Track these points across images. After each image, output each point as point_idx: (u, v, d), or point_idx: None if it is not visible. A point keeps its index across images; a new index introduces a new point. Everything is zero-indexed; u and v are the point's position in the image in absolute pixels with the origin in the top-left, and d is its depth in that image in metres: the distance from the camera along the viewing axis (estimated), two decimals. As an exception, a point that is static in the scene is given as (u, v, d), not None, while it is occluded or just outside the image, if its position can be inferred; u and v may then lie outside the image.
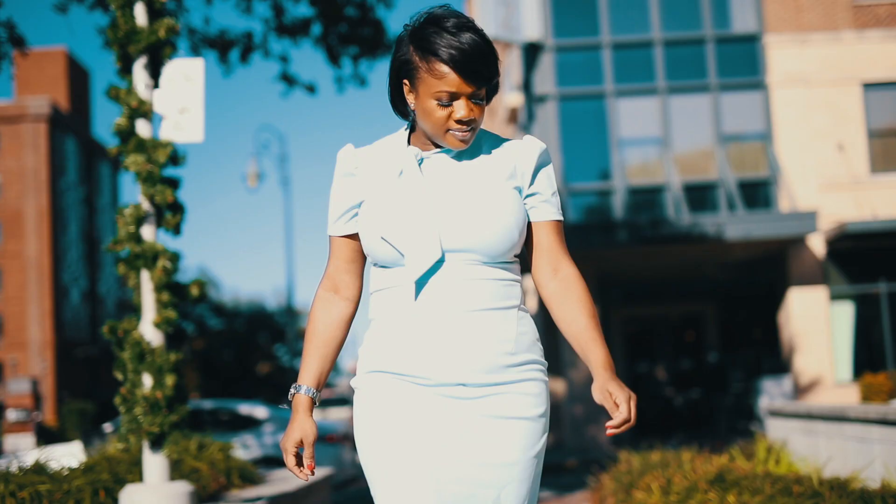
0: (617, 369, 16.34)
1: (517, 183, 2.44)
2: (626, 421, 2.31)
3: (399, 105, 2.49)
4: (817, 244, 21.04)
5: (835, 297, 21.36)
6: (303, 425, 2.44)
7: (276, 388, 45.58)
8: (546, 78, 21.48)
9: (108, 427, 15.83)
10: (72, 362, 56.52)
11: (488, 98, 2.43)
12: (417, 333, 2.35)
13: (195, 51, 11.55)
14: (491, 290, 2.37)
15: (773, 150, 21.28)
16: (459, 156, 2.45)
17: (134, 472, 5.86)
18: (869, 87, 21.64)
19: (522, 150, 2.46)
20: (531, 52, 21.88)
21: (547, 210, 2.48)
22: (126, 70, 5.26)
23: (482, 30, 2.41)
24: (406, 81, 2.41)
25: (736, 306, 24.43)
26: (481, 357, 2.34)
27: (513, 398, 2.36)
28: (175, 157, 5.19)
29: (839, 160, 21.33)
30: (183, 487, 5.16)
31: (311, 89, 11.83)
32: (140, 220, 5.18)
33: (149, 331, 5.17)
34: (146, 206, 5.23)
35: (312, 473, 2.43)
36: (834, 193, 21.22)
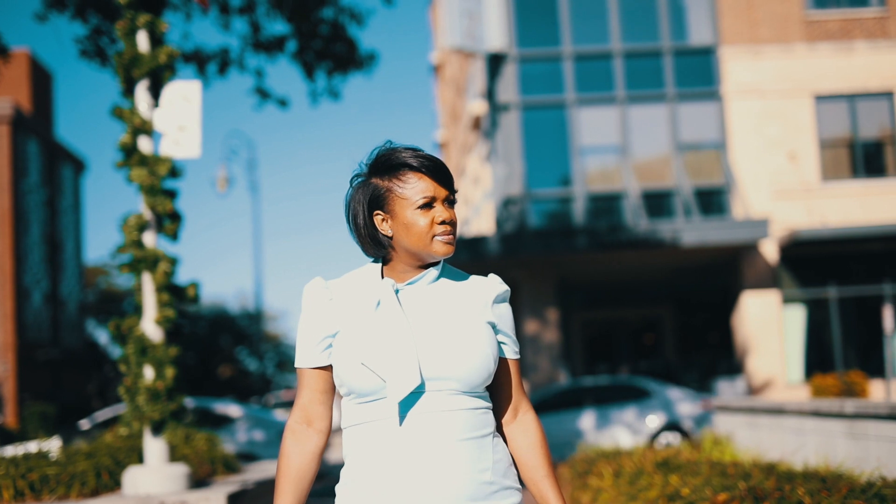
0: (576, 373, 17.01)
1: (488, 318, 2.47)
2: None
3: (372, 246, 2.52)
4: (770, 250, 21.75)
5: (787, 300, 22.07)
6: None
7: (238, 391, 45.80)
8: (509, 87, 22.09)
9: (84, 424, 16.22)
10: (33, 365, 56.32)
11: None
12: (396, 469, 2.35)
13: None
14: (467, 420, 2.38)
15: (728, 158, 21.99)
16: (433, 289, 2.48)
17: (132, 456, 6.38)
18: (820, 98, 22.42)
19: (489, 289, 2.52)
20: (494, 62, 22.47)
21: (512, 349, 2.54)
22: (129, 91, 5.78)
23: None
24: (378, 212, 2.46)
25: (692, 310, 24.98)
26: (460, 487, 2.35)
27: None
28: (174, 171, 5.72)
29: (791, 169, 22.06)
30: (180, 469, 5.69)
31: (283, 103, 12.33)
32: (142, 227, 5.70)
33: (150, 328, 5.70)
34: (148, 215, 5.75)
35: None
36: (786, 201, 21.95)
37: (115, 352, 51.63)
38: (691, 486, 5.91)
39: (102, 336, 52.13)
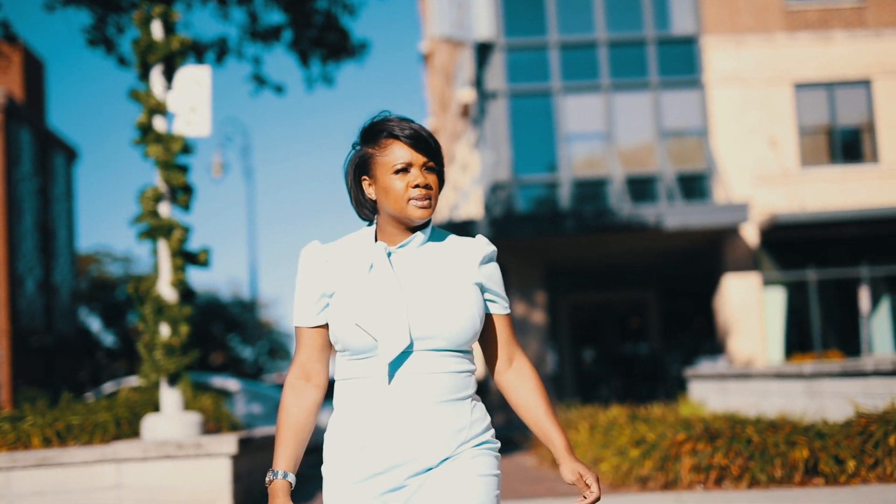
0: (563, 355, 17.55)
1: (476, 279, 2.60)
2: (597, 499, 2.56)
3: (364, 208, 2.69)
4: (751, 234, 22.27)
5: (767, 283, 22.55)
6: None
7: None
8: (497, 75, 22.61)
9: (90, 397, 16.80)
10: (26, 352, 56.72)
11: (442, 183, 2.64)
12: (380, 424, 2.49)
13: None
14: (450, 383, 2.51)
15: (710, 145, 22.52)
16: (423, 251, 2.61)
17: (148, 408, 6.97)
18: (800, 86, 22.92)
19: (477, 250, 2.64)
20: (482, 51, 22.97)
21: (502, 305, 2.67)
22: (145, 76, 6.36)
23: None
24: (365, 178, 2.63)
25: (676, 293, 25.41)
26: (438, 444, 2.49)
27: (466, 460, 2.53)
28: (186, 148, 6.30)
29: (771, 155, 22.59)
30: (194, 417, 6.29)
31: (279, 90, 12.92)
32: (158, 198, 6.29)
33: (165, 289, 6.29)
34: (163, 187, 6.33)
35: None
36: (766, 186, 22.47)
37: (107, 339, 52.13)
38: (657, 433, 6.52)
39: (95, 323, 52.47)
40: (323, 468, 2.61)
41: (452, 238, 2.68)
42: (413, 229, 2.62)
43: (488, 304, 2.64)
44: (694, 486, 6.28)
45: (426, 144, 2.58)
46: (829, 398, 7.78)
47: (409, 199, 2.55)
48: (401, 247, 2.60)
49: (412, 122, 2.61)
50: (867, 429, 6.17)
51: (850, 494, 5.64)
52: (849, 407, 7.13)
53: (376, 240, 2.64)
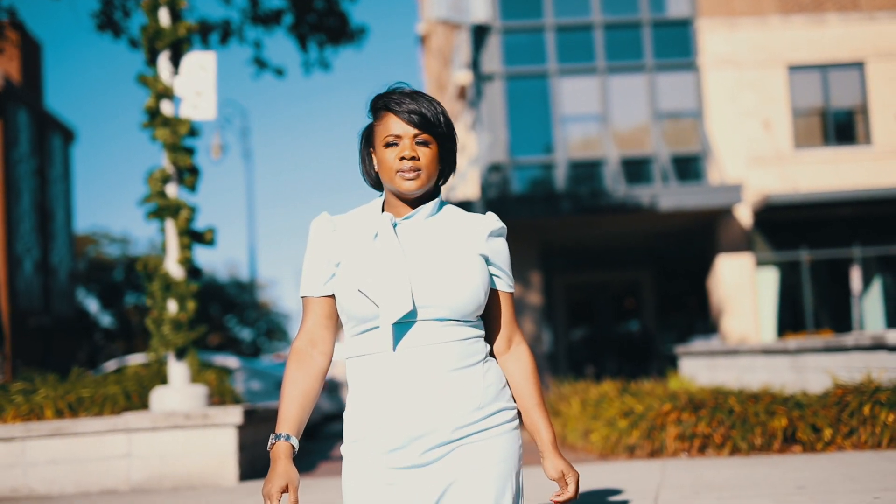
0: (558, 334, 17.76)
1: (481, 251, 2.59)
2: (572, 499, 2.56)
3: (371, 179, 2.71)
4: (744, 215, 22.52)
5: (760, 263, 22.81)
6: (287, 471, 2.50)
7: (228, 359, 46.42)
8: (493, 58, 22.81)
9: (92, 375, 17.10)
10: (24, 332, 56.97)
11: (447, 157, 2.65)
12: (392, 399, 2.47)
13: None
14: (458, 351, 2.49)
15: (704, 126, 22.75)
16: (430, 223, 2.60)
17: (155, 381, 7.25)
18: (793, 68, 23.13)
19: (486, 225, 2.63)
20: (479, 33, 23.15)
21: (506, 282, 2.65)
22: (152, 61, 6.61)
23: (430, 97, 2.64)
24: (370, 149, 2.65)
25: (670, 273, 25.60)
26: (450, 415, 2.46)
27: (482, 447, 2.50)
28: (192, 131, 6.55)
29: (765, 137, 22.82)
30: (201, 389, 6.57)
31: (279, 72, 13.16)
32: (165, 179, 6.54)
33: (173, 267, 6.55)
34: (170, 169, 6.59)
35: None
36: (760, 168, 22.71)
37: (105, 320, 52.37)
38: (644, 405, 6.81)
39: (92, 304, 52.67)
40: (342, 448, 2.60)
41: (461, 213, 2.67)
42: (415, 202, 2.61)
43: (493, 278, 2.62)
44: (678, 453, 6.57)
45: (421, 118, 2.55)
46: (811, 372, 8.06)
47: (397, 172, 2.54)
48: (406, 218, 2.59)
49: (417, 95, 2.59)
50: (843, 399, 6.47)
51: (826, 461, 5.93)
52: (829, 380, 7.41)
53: (383, 210, 2.64)
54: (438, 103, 2.63)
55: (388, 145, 2.56)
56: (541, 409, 2.61)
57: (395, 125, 2.56)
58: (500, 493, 2.48)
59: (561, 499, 2.53)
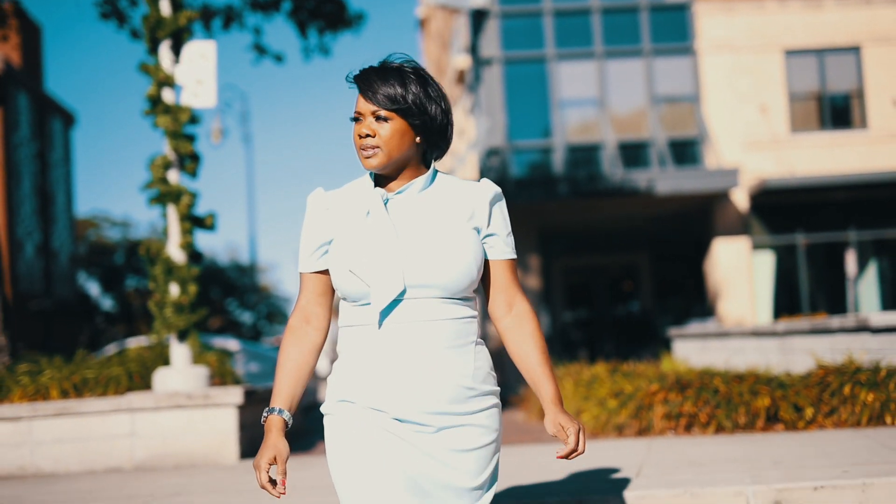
0: (556, 318, 17.96)
1: (475, 224, 2.56)
2: (575, 451, 2.51)
3: None
4: (741, 199, 22.66)
5: (756, 247, 22.95)
6: (276, 444, 2.51)
7: (229, 342, 46.61)
8: (491, 42, 22.91)
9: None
10: (26, 315, 57.19)
11: (425, 132, 2.57)
12: (382, 371, 2.47)
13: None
14: (450, 330, 2.49)
15: (701, 111, 22.87)
16: (422, 197, 2.58)
17: (158, 362, 7.45)
18: (790, 53, 23.22)
19: (479, 193, 2.59)
20: (478, 18, 23.25)
21: (503, 249, 2.62)
22: (154, 50, 6.78)
23: (412, 67, 2.59)
24: None
25: (667, 257, 25.75)
26: (440, 394, 2.46)
27: (468, 431, 2.50)
28: (193, 118, 6.73)
29: (761, 121, 22.94)
30: (202, 370, 6.76)
31: (279, 59, 13.32)
32: (167, 166, 6.72)
33: (175, 251, 6.74)
34: (171, 155, 6.76)
35: (284, 491, 2.50)
36: (756, 152, 22.84)
37: (106, 304, 52.59)
38: (634, 386, 7.01)
39: (93, 288, 52.84)
40: (324, 407, 2.59)
41: (457, 183, 2.63)
42: (406, 175, 2.58)
43: (492, 248, 2.60)
44: (665, 432, 6.78)
45: (379, 94, 2.51)
46: (798, 354, 8.26)
47: (360, 149, 2.54)
48: (398, 193, 2.57)
49: (387, 70, 2.55)
50: (825, 379, 6.67)
51: (806, 438, 6.13)
52: (814, 361, 7.61)
53: (377, 185, 2.62)
54: (416, 76, 2.57)
55: (354, 121, 2.57)
56: (544, 367, 2.60)
57: (359, 101, 2.55)
58: (480, 471, 2.50)
59: (563, 453, 2.49)
